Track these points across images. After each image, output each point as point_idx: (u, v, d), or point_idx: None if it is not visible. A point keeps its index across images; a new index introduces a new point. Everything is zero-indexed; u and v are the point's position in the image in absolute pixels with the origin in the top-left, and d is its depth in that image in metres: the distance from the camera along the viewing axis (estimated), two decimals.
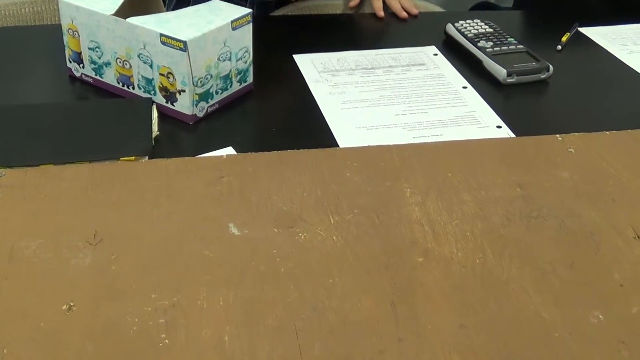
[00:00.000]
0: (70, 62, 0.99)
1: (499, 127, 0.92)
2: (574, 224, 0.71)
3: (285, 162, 0.78)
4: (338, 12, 1.39)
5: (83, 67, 0.98)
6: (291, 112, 0.96)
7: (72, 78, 1.00)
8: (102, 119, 0.87)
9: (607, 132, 0.87)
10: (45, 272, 0.62)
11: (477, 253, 0.67)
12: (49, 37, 1.10)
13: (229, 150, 0.84)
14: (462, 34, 1.13)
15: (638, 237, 0.70)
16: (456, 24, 1.16)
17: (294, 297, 0.61)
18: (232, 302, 0.60)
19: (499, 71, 1.03)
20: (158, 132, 0.86)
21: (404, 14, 1.27)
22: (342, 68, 1.06)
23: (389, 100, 0.98)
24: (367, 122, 0.92)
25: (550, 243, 0.68)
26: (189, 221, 0.69)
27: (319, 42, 1.15)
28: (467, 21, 1.16)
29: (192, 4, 0.93)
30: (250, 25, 0.93)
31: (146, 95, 0.92)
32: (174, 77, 0.88)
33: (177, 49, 0.85)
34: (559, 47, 1.16)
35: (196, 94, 0.89)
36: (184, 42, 0.84)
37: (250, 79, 0.98)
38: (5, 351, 0.55)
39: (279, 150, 0.81)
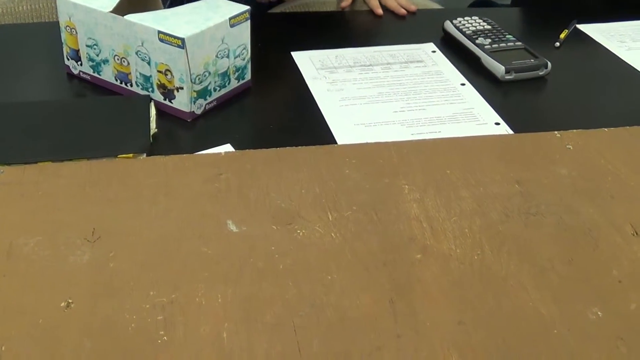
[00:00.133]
0: (68, 59, 0.99)
1: (497, 123, 0.92)
2: (573, 220, 0.71)
3: (283, 159, 0.78)
4: (334, 9, 1.38)
5: (81, 64, 0.98)
6: (289, 109, 0.96)
7: (70, 75, 1.00)
8: (100, 117, 0.87)
9: (606, 129, 0.87)
10: (44, 269, 0.62)
11: (476, 249, 0.67)
12: (46, 34, 1.10)
13: (227, 148, 0.84)
14: (461, 31, 1.13)
15: (636, 234, 0.70)
16: (454, 21, 1.16)
17: (293, 294, 0.61)
18: (230, 299, 0.60)
19: (497, 68, 1.03)
20: (156, 130, 0.86)
21: (402, 11, 1.27)
22: (340, 65, 1.06)
23: (387, 97, 0.98)
24: (365, 119, 0.92)
25: (549, 239, 0.68)
26: (187, 218, 0.69)
27: (317, 39, 1.14)
28: (466, 18, 1.16)
29: (189, 1, 0.93)
30: (248, 22, 0.93)
31: (144, 92, 0.92)
32: (171, 74, 0.88)
33: (175, 46, 0.85)
34: (557, 44, 1.16)
35: (194, 91, 0.89)
36: (182, 39, 0.84)
37: (248, 76, 0.98)
38: (3, 348, 0.55)
39: (277, 147, 0.81)
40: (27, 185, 0.72)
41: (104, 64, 0.95)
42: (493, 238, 0.68)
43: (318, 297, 0.61)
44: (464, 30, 1.13)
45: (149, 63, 0.89)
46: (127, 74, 0.93)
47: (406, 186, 0.75)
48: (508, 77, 1.03)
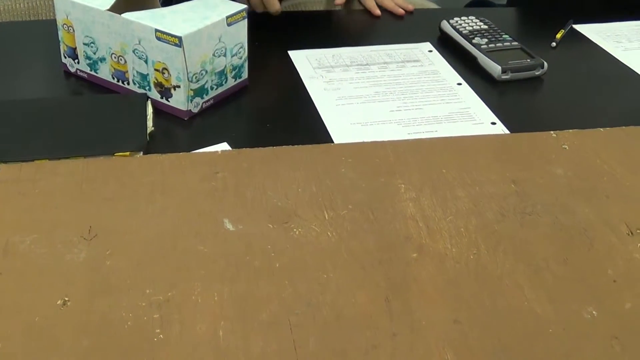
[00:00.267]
0: (65, 57, 0.99)
1: (494, 123, 0.92)
2: (568, 220, 0.71)
3: (280, 158, 0.79)
4: (330, 7, 1.38)
5: (78, 62, 0.98)
6: (286, 108, 0.96)
7: (67, 73, 1.00)
8: (96, 115, 0.87)
9: (602, 129, 0.88)
10: (40, 267, 0.62)
11: (471, 249, 0.67)
12: (44, 32, 1.10)
13: (224, 146, 0.84)
14: (457, 30, 1.13)
15: (631, 233, 0.70)
16: (451, 21, 1.16)
17: (289, 293, 0.61)
18: (226, 298, 0.60)
19: (494, 68, 1.03)
20: (153, 128, 0.86)
21: (400, 11, 1.27)
22: (337, 64, 1.06)
23: (383, 96, 0.98)
24: (361, 118, 0.92)
25: (544, 239, 0.69)
26: (183, 217, 0.69)
27: (314, 39, 1.15)
28: (462, 18, 1.17)
29: (182, 0, 0.93)
30: (246, 21, 0.93)
31: (141, 90, 0.92)
32: (169, 73, 0.88)
33: (172, 44, 0.85)
34: (554, 44, 1.16)
35: (191, 89, 0.89)
36: (179, 38, 0.84)
37: (245, 74, 0.98)
38: None
39: (273, 146, 0.81)
40: (23, 183, 0.72)
41: (101, 62, 0.95)
42: (489, 237, 0.68)
43: (314, 296, 0.61)
44: (460, 30, 1.13)
45: (146, 61, 0.89)
46: (124, 72, 0.93)
47: (402, 185, 0.75)
48: (504, 77, 1.03)
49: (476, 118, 0.93)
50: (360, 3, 1.31)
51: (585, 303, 0.62)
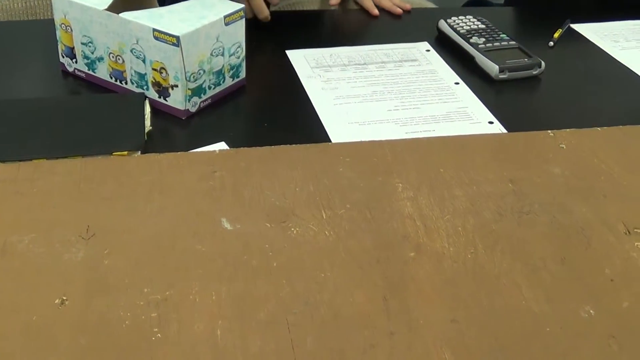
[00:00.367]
0: (63, 57, 0.99)
1: (491, 122, 0.93)
2: (565, 219, 0.71)
3: (277, 157, 0.79)
4: (324, 8, 1.38)
5: (76, 62, 0.98)
6: (284, 107, 0.96)
7: (65, 73, 1.00)
8: (94, 114, 0.87)
9: (599, 128, 0.88)
10: (38, 267, 0.62)
11: (469, 248, 0.67)
12: (41, 31, 1.10)
13: (222, 146, 0.84)
14: (455, 30, 1.13)
15: (629, 233, 0.70)
16: (449, 20, 1.16)
17: (286, 292, 0.61)
18: (224, 297, 0.60)
19: (491, 67, 1.04)
20: (151, 127, 0.86)
21: (398, 10, 1.27)
22: (334, 64, 1.06)
23: (381, 95, 0.98)
24: (359, 117, 0.92)
25: (542, 238, 0.69)
26: (181, 216, 0.69)
27: (311, 38, 1.15)
28: (460, 17, 1.17)
29: (178, 0, 0.93)
30: (243, 20, 0.93)
31: (139, 90, 0.92)
32: (166, 72, 0.88)
33: (170, 44, 0.85)
34: (551, 43, 1.17)
35: (189, 89, 0.89)
36: (177, 37, 0.84)
37: (242, 74, 0.98)
38: None
39: (271, 145, 0.81)
40: (21, 183, 0.72)
41: (99, 61, 0.95)
42: (486, 237, 0.68)
43: (312, 295, 0.61)
44: (458, 29, 1.13)
45: (143, 61, 0.89)
46: (122, 72, 0.93)
47: (400, 184, 0.75)
48: (502, 76, 1.03)
49: (474, 117, 0.93)
50: (356, 3, 1.31)
51: (583, 302, 0.62)
